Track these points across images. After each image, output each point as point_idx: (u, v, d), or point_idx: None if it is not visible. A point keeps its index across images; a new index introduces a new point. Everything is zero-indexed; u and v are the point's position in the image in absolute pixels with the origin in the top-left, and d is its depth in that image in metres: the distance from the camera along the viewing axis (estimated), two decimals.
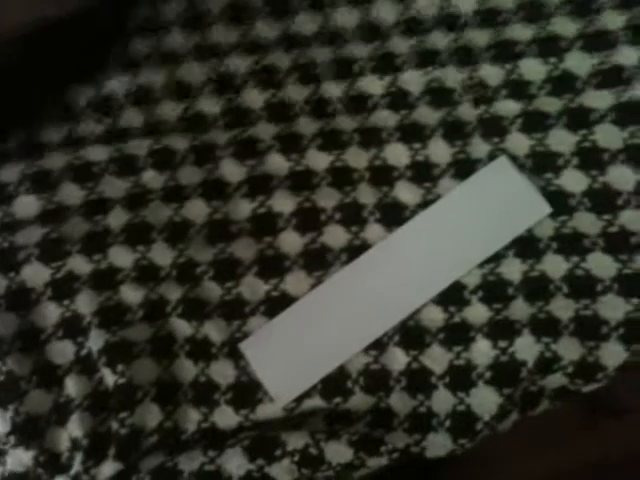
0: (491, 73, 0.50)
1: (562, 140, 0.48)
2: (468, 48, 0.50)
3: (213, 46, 0.52)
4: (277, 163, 0.49)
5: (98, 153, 0.49)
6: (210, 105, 0.51)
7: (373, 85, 0.51)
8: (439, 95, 0.50)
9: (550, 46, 0.49)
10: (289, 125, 0.50)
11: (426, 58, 0.51)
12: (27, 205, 0.48)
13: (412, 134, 0.49)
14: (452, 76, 0.50)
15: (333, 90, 0.51)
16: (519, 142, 0.48)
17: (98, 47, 0.52)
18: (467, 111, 0.49)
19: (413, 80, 0.50)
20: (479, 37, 0.50)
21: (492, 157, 0.48)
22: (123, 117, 0.51)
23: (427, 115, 0.50)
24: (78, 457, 0.43)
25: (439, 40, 0.51)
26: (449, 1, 0.52)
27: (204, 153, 0.49)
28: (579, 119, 0.48)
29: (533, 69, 0.49)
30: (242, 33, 0.52)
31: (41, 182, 0.48)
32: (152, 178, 0.49)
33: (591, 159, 0.47)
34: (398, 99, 0.50)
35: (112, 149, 0.49)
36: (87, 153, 0.49)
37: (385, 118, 0.50)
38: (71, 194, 0.48)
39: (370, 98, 0.50)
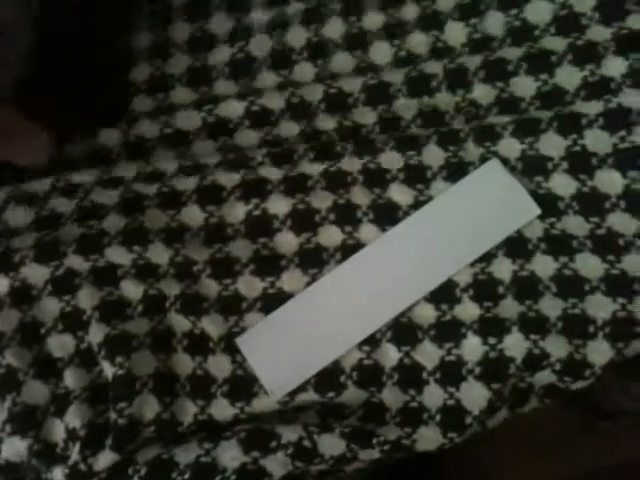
0: (483, 94, 0.51)
1: (552, 144, 0.49)
2: (460, 70, 0.52)
3: (213, 97, 0.53)
4: (271, 172, 0.50)
5: (84, 175, 0.50)
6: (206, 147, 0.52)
7: (367, 116, 0.52)
8: (432, 117, 0.51)
9: (541, 62, 0.51)
10: (283, 147, 0.51)
11: (419, 85, 0.52)
12: (20, 214, 0.49)
13: (406, 143, 0.50)
14: (444, 99, 0.52)
15: (327, 123, 0.52)
16: (511, 146, 0.49)
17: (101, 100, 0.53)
18: (460, 125, 0.51)
19: (406, 107, 0.52)
20: (471, 60, 0.52)
21: (484, 160, 0.49)
22: (119, 165, 0.52)
23: (420, 131, 0.51)
24: (75, 447, 0.44)
25: (432, 67, 0.52)
26: (440, 36, 0.53)
27: (194, 169, 0.50)
28: (569, 124, 0.49)
29: (524, 86, 0.51)
30: (243, 84, 0.54)
31: (30, 199, 0.50)
32: (143, 187, 0.50)
33: (580, 163, 0.48)
34: (391, 123, 0.52)
35: (98, 171, 0.50)
36: (73, 176, 0.50)
37: (379, 136, 0.51)
38: (62, 203, 0.49)
39: (364, 127, 0.52)
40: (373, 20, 0.53)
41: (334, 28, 0.54)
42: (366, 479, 0.61)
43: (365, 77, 0.52)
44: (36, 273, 0.47)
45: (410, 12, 0.53)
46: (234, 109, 0.52)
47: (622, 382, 0.67)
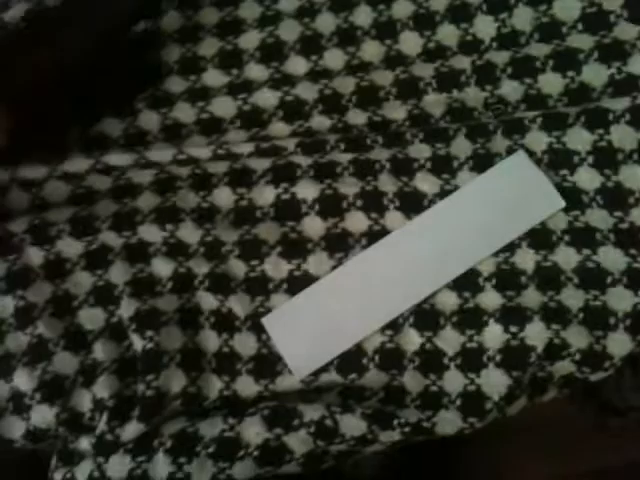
0: (511, 90, 0.52)
1: (579, 139, 0.49)
2: (488, 66, 0.52)
3: (246, 81, 0.54)
4: (300, 159, 0.51)
5: (122, 158, 0.51)
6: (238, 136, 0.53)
7: (397, 111, 0.52)
8: (460, 113, 0.52)
9: (568, 60, 0.51)
10: (314, 139, 0.52)
11: (448, 80, 0.52)
12: (58, 189, 0.50)
13: (435, 136, 0.51)
14: (473, 95, 0.52)
15: (358, 118, 0.53)
16: (538, 139, 0.50)
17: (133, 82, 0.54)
18: (488, 120, 0.51)
19: (435, 102, 0.52)
20: (499, 56, 0.52)
21: (510, 152, 0.50)
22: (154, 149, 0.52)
23: (449, 125, 0.52)
24: (103, 417, 0.45)
25: (460, 62, 0.53)
26: (469, 29, 0.53)
27: (227, 156, 0.51)
28: (596, 119, 0.49)
29: (551, 83, 0.51)
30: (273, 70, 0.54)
31: (69, 177, 0.51)
32: (177, 169, 0.51)
33: (605, 158, 0.49)
34: (420, 120, 0.52)
35: (136, 154, 0.51)
36: (111, 158, 0.51)
37: (409, 129, 0.52)
38: (99, 180, 0.51)
39: (394, 122, 0.52)
40: (402, 9, 0.54)
41: (363, 16, 0.54)
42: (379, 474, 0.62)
43: (396, 71, 0.53)
44: (71, 247, 0.48)
45: (439, 2, 0.54)
46: (268, 99, 0.53)
47: (634, 378, 0.67)
